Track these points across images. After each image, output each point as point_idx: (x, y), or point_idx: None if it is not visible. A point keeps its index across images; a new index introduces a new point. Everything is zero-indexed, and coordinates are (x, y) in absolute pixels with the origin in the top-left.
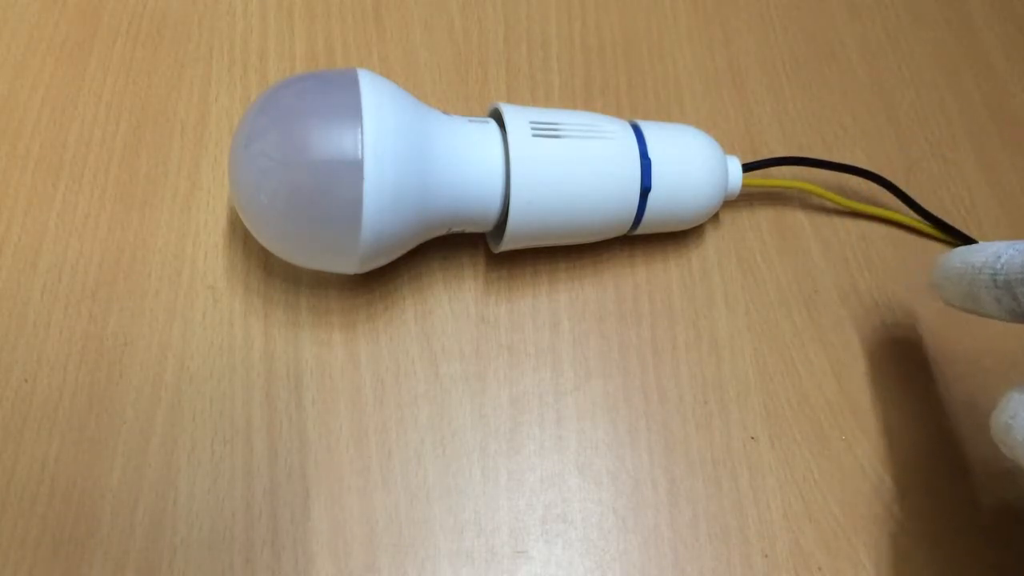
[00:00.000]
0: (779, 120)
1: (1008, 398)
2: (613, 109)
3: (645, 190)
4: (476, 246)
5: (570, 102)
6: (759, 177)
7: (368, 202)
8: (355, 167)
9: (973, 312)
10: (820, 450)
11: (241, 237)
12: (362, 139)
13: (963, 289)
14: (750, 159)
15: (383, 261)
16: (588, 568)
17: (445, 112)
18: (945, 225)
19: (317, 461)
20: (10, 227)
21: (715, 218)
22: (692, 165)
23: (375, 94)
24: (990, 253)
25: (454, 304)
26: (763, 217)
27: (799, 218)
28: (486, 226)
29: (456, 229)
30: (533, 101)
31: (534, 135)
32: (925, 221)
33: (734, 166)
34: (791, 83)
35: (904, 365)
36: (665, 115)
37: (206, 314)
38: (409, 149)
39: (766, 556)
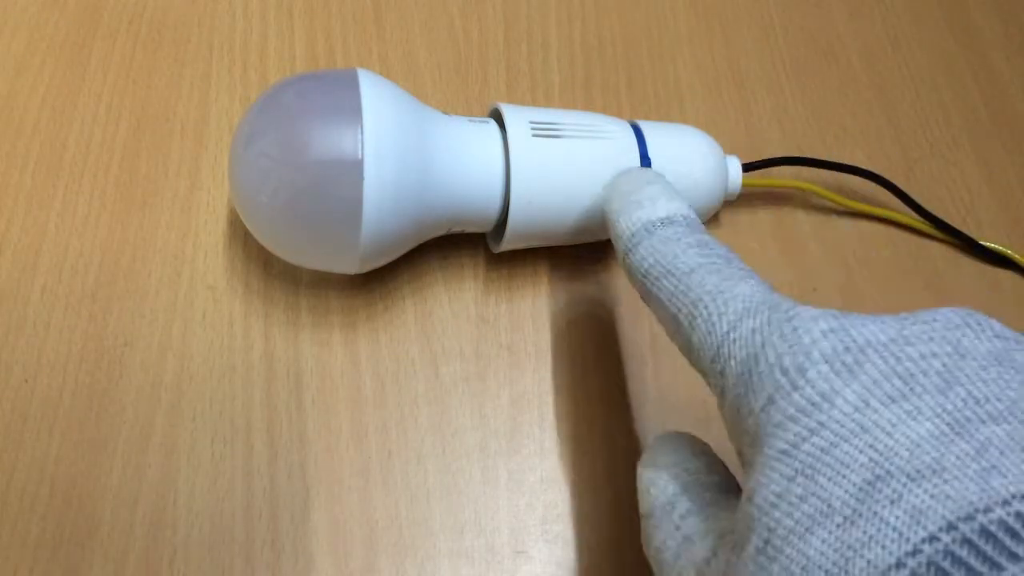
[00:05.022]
0: (779, 120)
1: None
2: (613, 109)
3: None
4: (476, 246)
5: (570, 102)
6: (759, 177)
7: (368, 202)
8: (355, 167)
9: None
10: None
11: (241, 237)
12: (362, 139)
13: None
14: (750, 159)
15: (383, 261)
16: (588, 568)
17: (445, 112)
18: (945, 225)
19: (317, 461)
20: (10, 227)
21: (715, 218)
22: (692, 165)
23: (375, 94)
24: (627, 231)
25: (454, 304)
26: (763, 217)
27: (799, 218)
28: (486, 226)
29: (456, 229)
30: (533, 101)
31: (534, 135)
32: (925, 221)
33: (734, 166)
34: (791, 83)
35: None
36: (665, 115)
37: (206, 314)
38: (409, 149)
39: None
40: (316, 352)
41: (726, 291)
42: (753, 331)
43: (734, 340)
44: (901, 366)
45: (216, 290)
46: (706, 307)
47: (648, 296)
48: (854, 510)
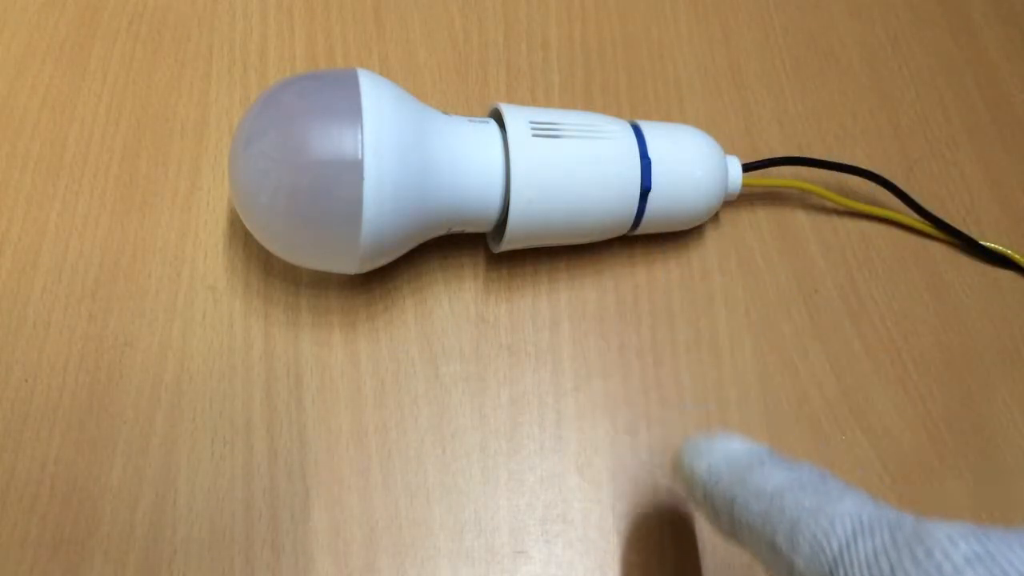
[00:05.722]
0: (779, 120)
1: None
2: (613, 109)
3: (645, 190)
4: (476, 246)
5: (570, 102)
6: (759, 177)
7: (368, 202)
8: (355, 167)
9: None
10: (820, 450)
11: (241, 237)
12: (362, 139)
13: (690, 494)
14: (750, 159)
15: (383, 261)
16: (588, 568)
17: (445, 112)
18: (945, 225)
19: (317, 461)
20: (10, 227)
21: (715, 218)
22: (692, 165)
23: (375, 94)
24: (705, 468)
25: (454, 304)
26: (763, 217)
27: (799, 218)
28: (486, 226)
29: (456, 229)
30: (533, 101)
31: (534, 135)
32: (925, 221)
33: (734, 166)
34: (791, 83)
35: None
36: (665, 115)
37: (206, 314)
38: (409, 149)
39: None
40: (316, 352)
41: (828, 508)
42: (876, 553)
43: (850, 562)
44: None
45: (216, 290)
46: (808, 526)
47: (738, 527)
48: None
